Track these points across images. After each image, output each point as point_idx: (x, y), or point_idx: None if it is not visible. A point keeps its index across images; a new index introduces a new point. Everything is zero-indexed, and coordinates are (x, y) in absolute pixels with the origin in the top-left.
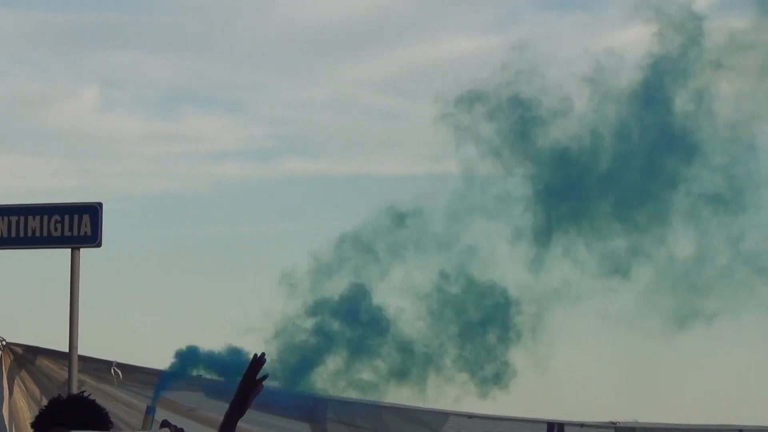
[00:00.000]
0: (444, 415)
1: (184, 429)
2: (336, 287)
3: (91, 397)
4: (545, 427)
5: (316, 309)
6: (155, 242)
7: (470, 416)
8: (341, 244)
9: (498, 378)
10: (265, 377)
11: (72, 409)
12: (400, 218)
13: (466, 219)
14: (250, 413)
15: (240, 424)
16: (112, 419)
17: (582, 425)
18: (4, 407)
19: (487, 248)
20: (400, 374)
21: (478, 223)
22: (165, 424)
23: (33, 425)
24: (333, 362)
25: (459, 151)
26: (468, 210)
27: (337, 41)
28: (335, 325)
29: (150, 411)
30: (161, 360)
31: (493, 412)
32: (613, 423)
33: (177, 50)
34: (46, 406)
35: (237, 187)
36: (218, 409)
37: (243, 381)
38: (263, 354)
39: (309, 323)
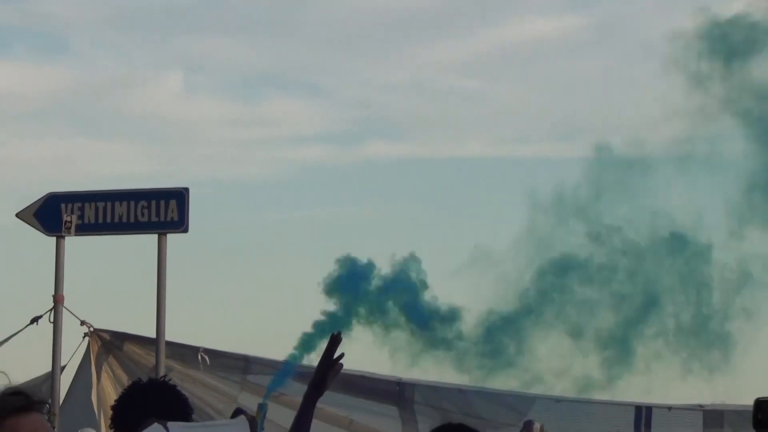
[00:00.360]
0: (531, 399)
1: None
2: None
3: (172, 382)
4: (633, 410)
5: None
6: (240, 227)
7: (558, 400)
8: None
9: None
10: (341, 356)
11: (151, 394)
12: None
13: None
14: (338, 396)
15: (329, 408)
16: (201, 405)
17: (670, 408)
18: (92, 393)
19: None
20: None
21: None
22: (239, 411)
23: (113, 408)
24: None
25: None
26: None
27: (417, 24)
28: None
29: (263, 408)
30: (247, 345)
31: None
32: (700, 406)
33: (259, 35)
34: (125, 390)
35: (319, 171)
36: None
37: (321, 361)
38: (339, 333)
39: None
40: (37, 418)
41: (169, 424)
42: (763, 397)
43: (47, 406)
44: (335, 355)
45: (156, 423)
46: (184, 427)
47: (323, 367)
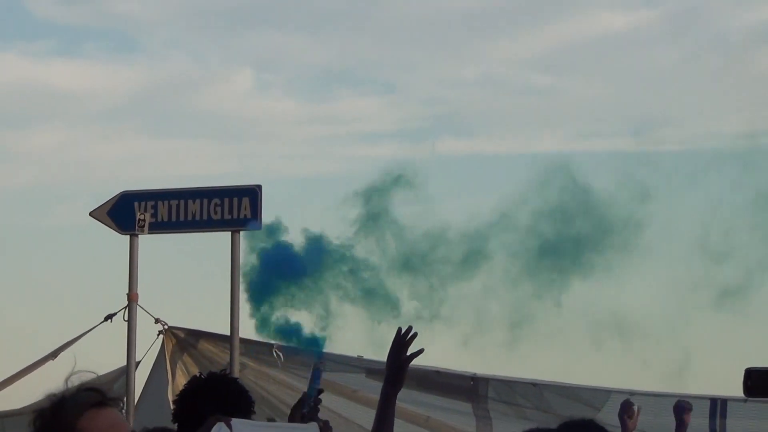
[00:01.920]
0: (606, 393)
1: (343, 412)
2: None
3: (232, 376)
4: (708, 402)
5: None
6: (314, 225)
7: (632, 393)
8: None
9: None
10: (419, 351)
11: (209, 389)
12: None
13: None
14: (413, 394)
15: (405, 405)
16: (275, 402)
17: (746, 400)
18: (168, 391)
19: None
20: None
21: None
22: (311, 419)
23: (174, 402)
24: None
25: None
26: None
27: (489, 19)
28: None
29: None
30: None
31: (655, 388)
32: None
33: (330, 31)
34: (185, 386)
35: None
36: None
37: (394, 357)
38: (410, 327)
39: None
40: (114, 413)
41: (233, 420)
42: (753, 367)
43: (122, 402)
44: (411, 351)
45: (219, 422)
46: (248, 425)
47: (396, 362)
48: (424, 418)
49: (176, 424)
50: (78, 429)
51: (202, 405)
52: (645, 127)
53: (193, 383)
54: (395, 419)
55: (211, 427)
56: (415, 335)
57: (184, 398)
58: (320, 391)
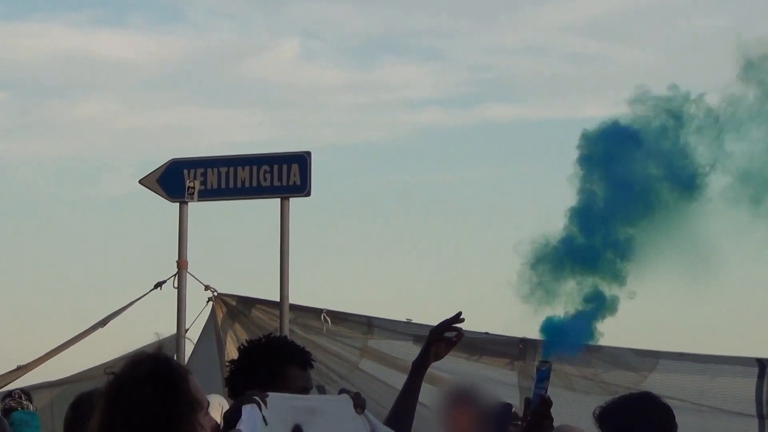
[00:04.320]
0: (654, 360)
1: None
2: None
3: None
4: (756, 364)
5: None
6: (361, 191)
7: (680, 354)
8: None
9: None
10: (457, 339)
11: (272, 345)
12: None
13: None
14: (460, 363)
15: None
16: (325, 370)
17: None
18: (219, 360)
19: None
20: None
21: None
22: (343, 391)
23: (227, 379)
24: None
25: None
26: None
27: None
28: None
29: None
30: (370, 308)
31: (704, 351)
32: None
33: None
34: (241, 354)
35: (438, 135)
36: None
37: (431, 333)
38: (460, 313)
39: None
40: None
41: (270, 396)
42: None
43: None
44: (448, 334)
45: (254, 397)
46: (283, 399)
47: (431, 341)
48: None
49: (229, 389)
50: (191, 392)
51: (253, 368)
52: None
53: (248, 349)
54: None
55: (246, 402)
56: (462, 320)
57: (233, 372)
58: (545, 400)
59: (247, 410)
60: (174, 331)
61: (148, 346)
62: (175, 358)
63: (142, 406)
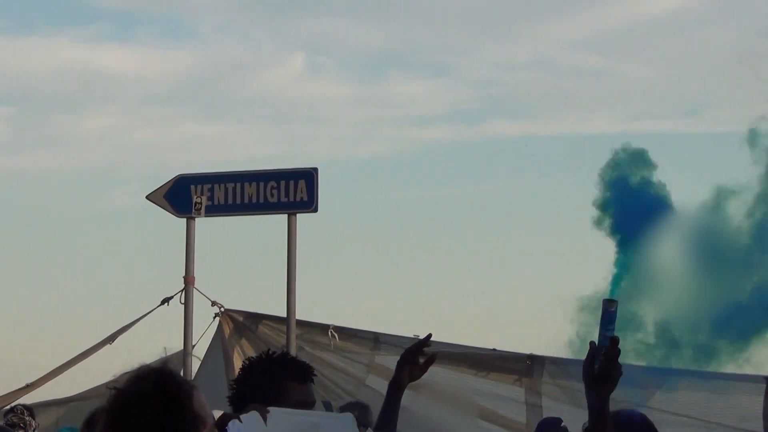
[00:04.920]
0: (661, 376)
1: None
2: None
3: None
4: (764, 381)
5: None
6: (368, 206)
7: (688, 371)
8: None
9: None
10: (430, 360)
11: (271, 361)
12: None
13: None
14: (467, 379)
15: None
16: (331, 386)
17: None
18: (225, 376)
19: None
20: None
21: None
22: (347, 406)
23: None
24: None
25: None
26: None
27: (540, 1)
28: None
29: None
30: (378, 324)
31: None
32: None
33: (380, 14)
34: (242, 371)
35: (444, 151)
36: (434, 375)
37: (401, 358)
38: (430, 335)
39: None
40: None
41: (271, 410)
42: None
43: None
44: (423, 360)
45: (254, 410)
46: (285, 414)
47: (402, 363)
48: (475, 405)
49: (231, 407)
50: (194, 410)
51: (254, 385)
52: (700, 107)
53: (251, 366)
54: (448, 402)
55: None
56: (428, 343)
57: (235, 386)
58: (614, 341)
59: (248, 418)
60: (181, 347)
61: (155, 361)
62: (181, 374)
63: (145, 422)
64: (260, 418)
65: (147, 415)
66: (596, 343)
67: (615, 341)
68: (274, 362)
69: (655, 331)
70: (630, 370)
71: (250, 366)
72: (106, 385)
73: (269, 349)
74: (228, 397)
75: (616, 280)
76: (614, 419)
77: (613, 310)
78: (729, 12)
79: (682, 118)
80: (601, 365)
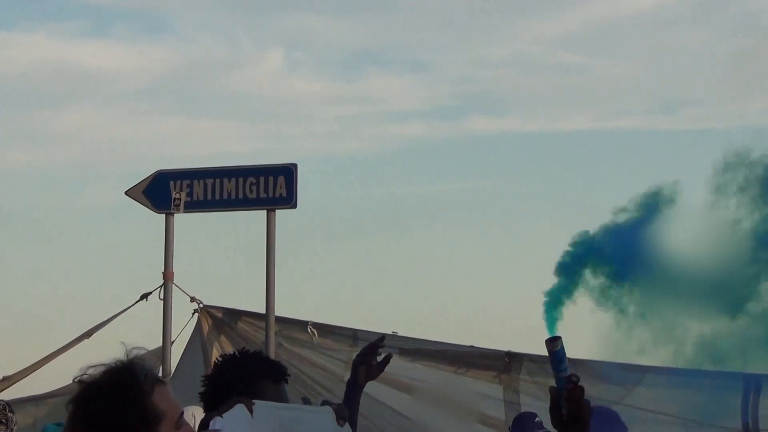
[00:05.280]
0: (639, 374)
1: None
2: None
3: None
4: (743, 380)
5: None
6: (347, 202)
7: (666, 368)
8: None
9: None
10: (386, 359)
11: (245, 360)
12: None
13: None
14: (447, 377)
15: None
16: (310, 382)
17: None
18: (205, 371)
19: None
20: None
21: None
22: (325, 402)
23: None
24: None
25: None
26: None
27: None
28: None
29: None
30: (357, 320)
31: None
32: None
33: (359, 12)
34: (215, 368)
35: (423, 147)
36: (412, 372)
37: (356, 357)
38: (383, 336)
39: None
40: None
41: (256, 403)
42: None
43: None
44: (380, 359)
45: (239, 403)
46: (270, 407)
47: (356, 364)
48: (453, 402)
49: (203, 404)
50: (150, 405)
51: (228, 382)
52: (675, 105)
53: (217, 367)
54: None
55: (232, 407)
56: (382, 344)
57: (208, 383)
58: (572, 381)
59: (232, 411)
60: (160, 342)
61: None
62: (160, 370)
63: (96, 417)
64: (246, 410)
65: (98, 410)
66: (555, 387)
67: (573, 381)
68: (248, 360)
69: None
70: (608, 367)
71: (224, 363)
72: (73, 379)
73: (243, 347)
74: (200, 393)
75: (551, 320)
76: None
77: (557, 349)
78: (705, 11)
79: (658, 116)
80: (567, 410)
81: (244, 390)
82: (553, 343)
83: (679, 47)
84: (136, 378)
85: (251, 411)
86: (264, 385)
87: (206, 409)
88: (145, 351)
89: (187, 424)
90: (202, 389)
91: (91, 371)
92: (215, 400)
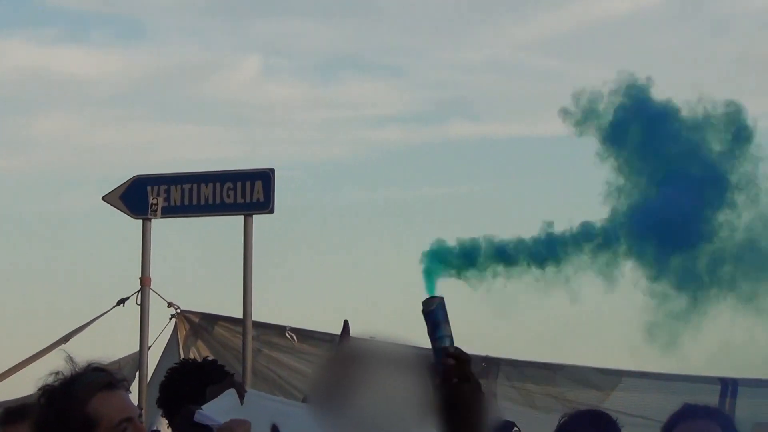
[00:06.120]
0: (617, 378)
1: None
2: None
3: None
4: (719, 383)
5: None
6: (325, 207)
7: (643, 373)
8: None
9: None
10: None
11: (195, 367)
12: None
13: None
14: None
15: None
16: (288, 387)
17: (758, 380)
18: None
19: None
20: None
21: None
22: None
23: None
24: None
25: None
26: None
27: (495, 2)
28: None
29: None
30: (334, 325)
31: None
32: None
33: (337, 16)
34: (167, 377)
35: (401, 152)
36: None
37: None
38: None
39: None
40: (124, 395)
41: (249, 392)
42: None
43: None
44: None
45: (231, 388)
46: (261, 397)
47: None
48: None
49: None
50: (88, 411)
51: (176, 391)
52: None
53: (169, 376)
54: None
55: (226, 389)
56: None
57: (162, 388)
58: (449, 354)
59: (221, 399)
60: (137, 347)
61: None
62: (137, 374)
63: (39, 421)
64: (236, 397)
65: (39, 414)
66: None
67: (447, 353)
68: (198, 369)
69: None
70: (585, 371)
71: (171, 374)
72: (37, 387)
73: (188, 359)
74: (156, 400)
75: (430, 277)
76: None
77: (432, 309)
78: (680, 15)
79: None
80: (440, 394)
81: (193, 396)
82: (428, 303)
83: (655, 51)
84: (65, 389)
85: (242, 398)
86: (209, 390)
87: (165, 416)
88: (100, 363)
89: (137, 426)
90: (158, 395)
91: (50, 380)
92: (168, 407)
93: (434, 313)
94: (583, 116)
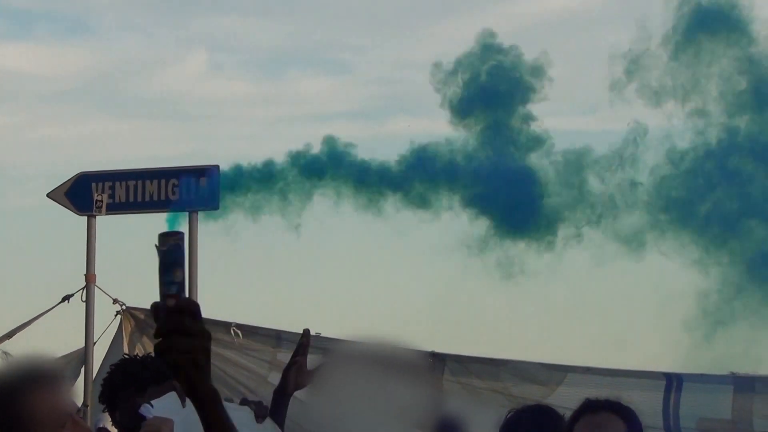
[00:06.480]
0: (562, 373)
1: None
2: None
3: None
4: (663, 378)
5: None
6: (270, 204)
7: (588, 369)
8: None
9: None
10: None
11: (131, 368)
12: None
13: None
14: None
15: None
16: (234, 383)
17: (702, 375)
18: None
19: None
20: None
21: None
22: (244, 401)
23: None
24: None
25: None
26: None
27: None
28: None
29: None
30: (279, 321)
31: (612, 365)
32: (732, 374)
33: (281, 13)
34: (106, 375)
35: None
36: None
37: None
38: (307, 331)
39: None
40: (63, 391)
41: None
42: None
43: (68, 379)
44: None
45: (172, 391)
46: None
47: (287, 368)
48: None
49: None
50: (26, 407)
51: (117, 388)
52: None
53: (110, 371)
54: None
55: (167, 392)
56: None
57: (104, 384)
58: (172, 301)
59: (164, 399)
60: (82, 344)
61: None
62: (82, 371)
63: None
64: (178, 399)
65: None
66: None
67: (170, 303)
68: (134, 367)
69: None
70: (530, 366)
71: (114, 369)
72: None
73: (130, 354)
74: (99, 395)
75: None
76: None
77: (167, 248)
78: (629, 12)
79: (584, 117)
80: (163, 342)
81: (137, 393)
82: (164, 239)
83: (603, 48)
84: (1, 386)
85: (183, 401)
86: (150, 390)
87: (107, 411)
88: (39, 359)
89: (76, 422)
90: (100, 389)
91: None
92: (110, 402)
93: (168, 253)
94: None
